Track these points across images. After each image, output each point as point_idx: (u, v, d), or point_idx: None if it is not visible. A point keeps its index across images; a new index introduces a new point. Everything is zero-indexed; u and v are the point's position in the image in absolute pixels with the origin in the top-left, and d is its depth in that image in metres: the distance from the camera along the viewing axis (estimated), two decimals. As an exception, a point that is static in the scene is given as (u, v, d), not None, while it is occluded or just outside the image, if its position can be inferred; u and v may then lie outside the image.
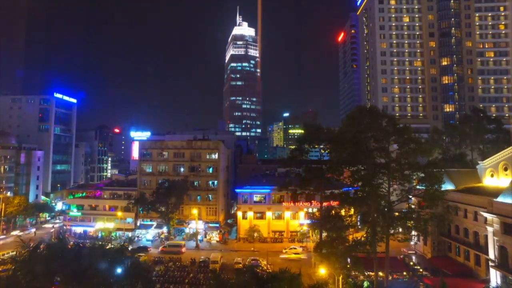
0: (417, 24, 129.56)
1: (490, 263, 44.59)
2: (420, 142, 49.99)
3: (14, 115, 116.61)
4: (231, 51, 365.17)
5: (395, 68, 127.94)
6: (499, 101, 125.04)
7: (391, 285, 45.52)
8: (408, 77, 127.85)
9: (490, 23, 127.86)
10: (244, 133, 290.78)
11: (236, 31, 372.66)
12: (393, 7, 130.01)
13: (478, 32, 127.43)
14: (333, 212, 54.46)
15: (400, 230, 47.32)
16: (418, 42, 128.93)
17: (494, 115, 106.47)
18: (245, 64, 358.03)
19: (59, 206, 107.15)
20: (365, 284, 46.75)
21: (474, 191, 53.45)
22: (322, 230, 57.28)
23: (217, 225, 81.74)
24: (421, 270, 54.71)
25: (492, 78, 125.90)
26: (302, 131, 72.38)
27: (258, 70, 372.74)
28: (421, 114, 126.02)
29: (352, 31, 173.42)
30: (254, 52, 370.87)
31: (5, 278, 24.64)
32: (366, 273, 48.15)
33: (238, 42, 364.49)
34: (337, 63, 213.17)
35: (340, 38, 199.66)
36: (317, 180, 61.94)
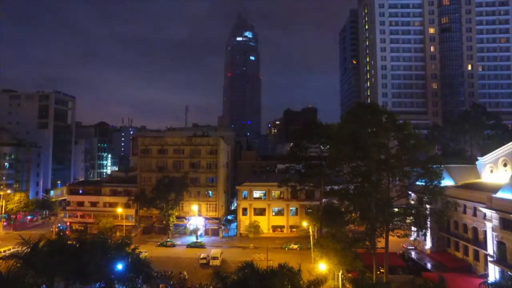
0: (417, 20, 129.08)
1: (489, 258, 44.82)
2: (420, 138, 50.00)
3: (14, 112, 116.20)
4: (231, 46, 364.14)
5: (395, 64, 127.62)
6: (499, 97, 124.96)
7: (390, 280, 45.66)
8: (408, 73, 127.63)
9: (490, 18, 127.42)
10: (244, 129, 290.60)
11: (237, 26, 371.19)
12: (393, 2, 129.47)
13: (478, 27, 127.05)
14: (332, 208, 54.64)
15: (400, 225, 47.42)
16: (418, 37, 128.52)
17: (493, 111, 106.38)
18: (245, 58, 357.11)
19: (59, 202, 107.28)
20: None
21: (473, 187, 53.61)
22: (322, 226, 57.51)
23: (217, 221, 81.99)
24: (420, 265, 54.92)
25: (492, 74, 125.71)
26: (302, 128, 72.34)
27: (259, 66, 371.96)
28: (421, 110, 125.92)
29: (352, 26, 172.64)
30: (254, 47, 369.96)
31: (7, 274, 24.70)
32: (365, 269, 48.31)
33: (238, 38, 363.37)
34: (337, 59, 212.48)
35: (340, 34, 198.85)
36: (317, 176, 62.18)
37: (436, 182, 45.83)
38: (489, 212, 44.97)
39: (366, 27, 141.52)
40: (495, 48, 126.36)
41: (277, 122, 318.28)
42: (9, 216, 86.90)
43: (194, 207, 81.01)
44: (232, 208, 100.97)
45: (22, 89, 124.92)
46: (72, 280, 26.04)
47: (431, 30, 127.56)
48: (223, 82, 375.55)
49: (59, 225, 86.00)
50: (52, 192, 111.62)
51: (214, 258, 59.22)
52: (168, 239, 74.21)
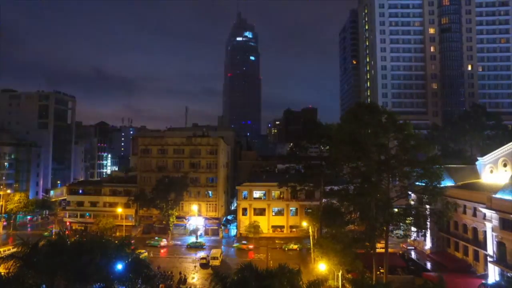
0: (417, 20, 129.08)
1: (489, 259, 44.85)
2: (420, 139, 49.95)
3: (14, 111, 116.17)
4: (231, 46, 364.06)
5: (395, 64, 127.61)
6: (499, 97, 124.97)
7: (390, 280, 45.68)
8: (408, 73, 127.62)
9: (490, 19, 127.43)
10: (244, 129, 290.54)
11: (237, 26, 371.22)
12: (393, 2, 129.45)
13: (478, 28, 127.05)
14: (332, 208, 54.66)
15: (400, 226, 47.40)
16: (418, 37, 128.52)
17: (493, 111, 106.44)
18: (245, 58, 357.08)
19: (59, 202, 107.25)
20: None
21: (473, 187, 53.63)
22: (322, 226, 57.52)
23: (217, 221, 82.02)
24: (420, 265, 54.91)
25: (492, 74, 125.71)
26: (302, 128, 72.35)
27: (259, 66, 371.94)
28: (421, 110, 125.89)
29: (352, 26, 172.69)
30: (254, 47, 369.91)
31: (7, 274, 24.70)
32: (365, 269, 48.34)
33: (238, 38, 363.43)
34: (337, 59, 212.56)
35: (340, 34, 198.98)
36: (317, 176, 62.16)
37: (436, 183, 45.78)
38: (489, 213, 44.98)
39: (366, 27, 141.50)
40: (495, 49, 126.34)
41: (277, 122, 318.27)
42: (9, 216, 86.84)
43: (194, 207, 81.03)
44: (232, 208, 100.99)
45: (22, 89, 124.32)
46: (72, 281, 26.01)
47: (431, 31, 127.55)
48: (223, 82, 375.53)
49: (59, 225, 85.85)
50: (52, 192, 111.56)
51: (214, 258, 59.25)
52: (157, 238, 75.08)
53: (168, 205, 74.90)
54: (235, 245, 71.82)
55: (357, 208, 49.14)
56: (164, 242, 72.96)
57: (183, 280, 52.10)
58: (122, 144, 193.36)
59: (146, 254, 59.97)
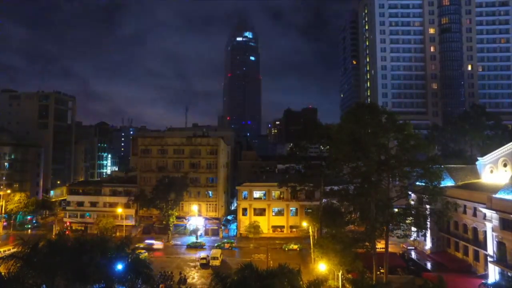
0: (417, 20, 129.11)
1: (489, 259, 44.86)
2: (420, 139, 49.97)
3: (14, 112, 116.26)
4: (231, 47, 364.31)
5: (395, 64, 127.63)
6: (499, 97, 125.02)
7: (390, 280, 45.66)
8: (408, 73, 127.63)
9: (490, 19, 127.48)
10: (244, 129, 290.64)
11: (236, 26, 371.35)
12: (393, 2, 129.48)
13: (478, 28, 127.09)
14: (332, 208, 54.69)
15: (400, 226, 47.40)
16: (418, 37, 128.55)
17: (493, 111, 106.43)
18: (245, 59, 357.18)
19: (59, 202, 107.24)
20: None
21: (473, 187, 53.66)
22: (322, 226, 57.53)
23: (217, 221, 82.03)
24: (420, 265, 54.88)
25: (492, 74, 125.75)
26: (302, 128, 72.39)
27: (259, 66, 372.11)
28: (421, 110, 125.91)
29: (352, 26, 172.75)
30: (254, 47, 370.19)
31: (7, 274, 24.68)
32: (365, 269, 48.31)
33: (238, 38, 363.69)
34: (337, 59, 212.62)
35: (340, 34, 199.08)
36: (317, 176, 62.18)
37: (436, 183, 45.77)
38: (489, 213, 44.99)
39: (366, 27, 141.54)
40: (495, 49, 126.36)
41: (277, 122, 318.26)
42: (9, 216, 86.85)
43: (194, 207, 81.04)
44: (232, 208, 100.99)
45: (22, 89, 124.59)
46: (72, 281, 25.99)
47: (431, 31, 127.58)
48: (223, 82, 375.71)
49: (58, 225, 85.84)
50: (52, 192, 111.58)
51: (214, 258, 59.27)
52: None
53: (168, 205, 74.89)
54: (216, 244, 71.50)
55: (357, 208, 49.15)
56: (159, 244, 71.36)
57: (183, 280, 52.12)
58: (122, 144, 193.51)
59: (146, 254, 59.92)
